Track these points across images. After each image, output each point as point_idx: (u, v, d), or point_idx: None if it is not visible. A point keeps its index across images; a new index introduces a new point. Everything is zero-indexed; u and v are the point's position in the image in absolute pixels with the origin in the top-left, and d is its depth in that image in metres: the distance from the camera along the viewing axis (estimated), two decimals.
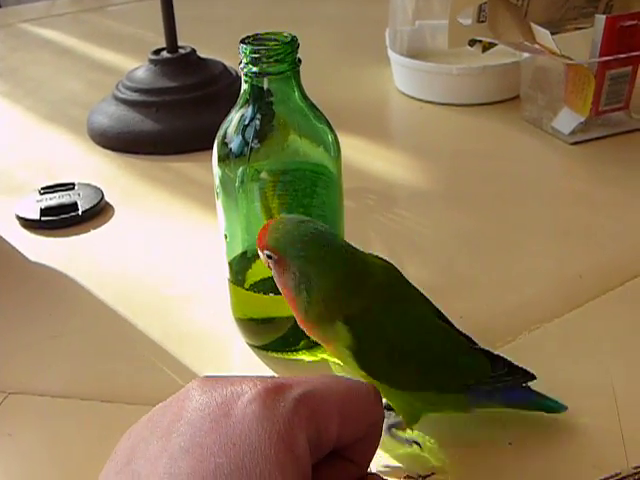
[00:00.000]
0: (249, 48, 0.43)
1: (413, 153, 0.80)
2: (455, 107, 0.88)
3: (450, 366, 0.41)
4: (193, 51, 0.86)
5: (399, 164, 0.78)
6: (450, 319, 0.43)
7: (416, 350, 0.40)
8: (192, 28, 1.06)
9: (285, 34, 0.45)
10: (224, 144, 0.46)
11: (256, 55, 0.43)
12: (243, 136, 0.45)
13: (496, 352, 0.42)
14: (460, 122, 0.86)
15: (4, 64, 1.14)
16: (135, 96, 0.83)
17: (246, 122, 0.45)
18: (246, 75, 0.44)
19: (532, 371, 0.42)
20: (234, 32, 0.45)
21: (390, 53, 0.93)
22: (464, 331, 0.43)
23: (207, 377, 0.30)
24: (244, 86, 0.45)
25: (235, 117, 0.46)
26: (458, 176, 0.74)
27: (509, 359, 0.42)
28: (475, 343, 0.42)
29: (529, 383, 0.42)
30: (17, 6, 1.57)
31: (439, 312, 0.43)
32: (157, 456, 0.27)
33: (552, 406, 0.42)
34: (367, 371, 0.39)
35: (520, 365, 0.42)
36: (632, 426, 0.43)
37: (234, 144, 0.45)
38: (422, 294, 0.43)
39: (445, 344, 0.41)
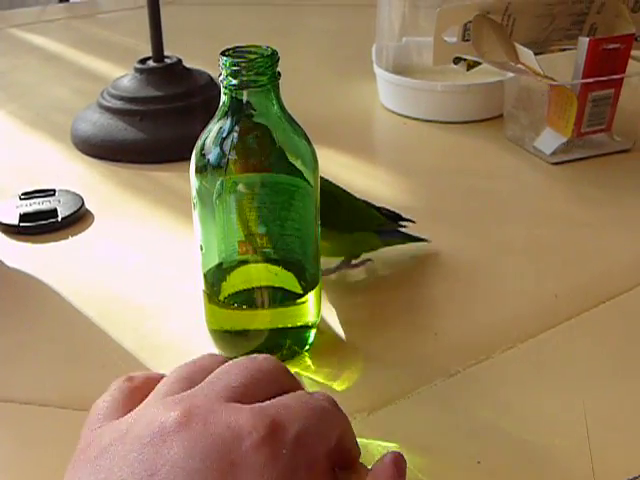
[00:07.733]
0: (229, 60, 0.43)
1: (395, 169, 0.80)
2: (439, 124, 0.89)
3: (367, 214, 0.59)
4: (179, 61, 0.86)
5: (381, 179, 0.78)
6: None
7: (344, 200, 0.58)
8: (180, 38, 1.06)
9: (265, 47, 0.45)
10: (202, 155, 0.46)
11: (236, 67, 0.43)
12: (221, 148, 0.45)
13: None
14: (443, 139, 0.86)
15: None
16: (119, 104, 0.83)
17: (224, 134, 0.45)
18: (225, 87, 0.44)
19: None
20: (221, 43, 0.45)
21: (376, 68, 0.94)
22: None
23: (171, 400, 0.31)
24: (223, 98, 0.45)
25: (214, 129, 0.45)
26: (439, 193, 0.74)
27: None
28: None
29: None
30: (8, 11, 1.57)
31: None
32: None
33: (416, 238, 0.62)
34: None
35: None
36: (601, 447, 0.43)
37: (212, 155, 0.45)
38: None
39: (360, 202, 0.60)
